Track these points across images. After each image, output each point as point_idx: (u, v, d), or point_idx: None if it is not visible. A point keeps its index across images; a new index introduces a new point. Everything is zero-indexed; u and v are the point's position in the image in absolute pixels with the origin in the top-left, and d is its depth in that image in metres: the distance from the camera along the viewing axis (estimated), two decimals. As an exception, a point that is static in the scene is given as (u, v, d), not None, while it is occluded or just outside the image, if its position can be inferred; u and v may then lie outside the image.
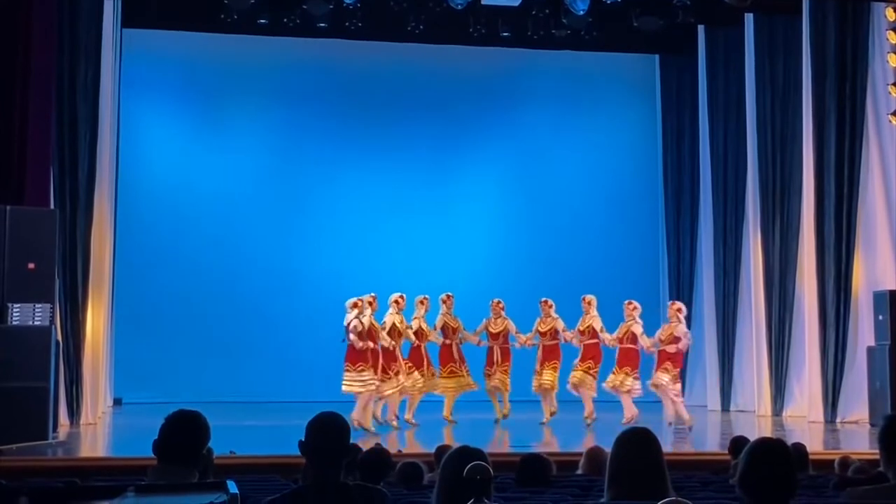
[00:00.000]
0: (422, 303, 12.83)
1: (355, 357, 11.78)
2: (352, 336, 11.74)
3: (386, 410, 12.54)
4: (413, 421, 12.50)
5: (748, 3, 13.83)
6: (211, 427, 3.79)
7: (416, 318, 12.75)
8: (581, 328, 12.92)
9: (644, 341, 12.65)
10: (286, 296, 16.21)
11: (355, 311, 11.84)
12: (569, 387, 12.90)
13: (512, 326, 13.10)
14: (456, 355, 12.97)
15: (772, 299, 14.30)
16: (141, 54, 15.73)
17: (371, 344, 11.81)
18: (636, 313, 12.79)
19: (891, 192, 13.29)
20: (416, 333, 12.67)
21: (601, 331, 12.81)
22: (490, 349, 13.11)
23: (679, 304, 13.08)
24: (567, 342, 13.06)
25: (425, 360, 12.78)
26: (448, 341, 12.98)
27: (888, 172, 13.28)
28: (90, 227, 12.57)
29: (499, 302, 13.18)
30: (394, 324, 12.39)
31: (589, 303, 13.01)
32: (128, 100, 15.39)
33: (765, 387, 14.28)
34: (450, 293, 13.17)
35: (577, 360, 12.90)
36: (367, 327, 11.79)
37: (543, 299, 13.20)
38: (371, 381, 11.77)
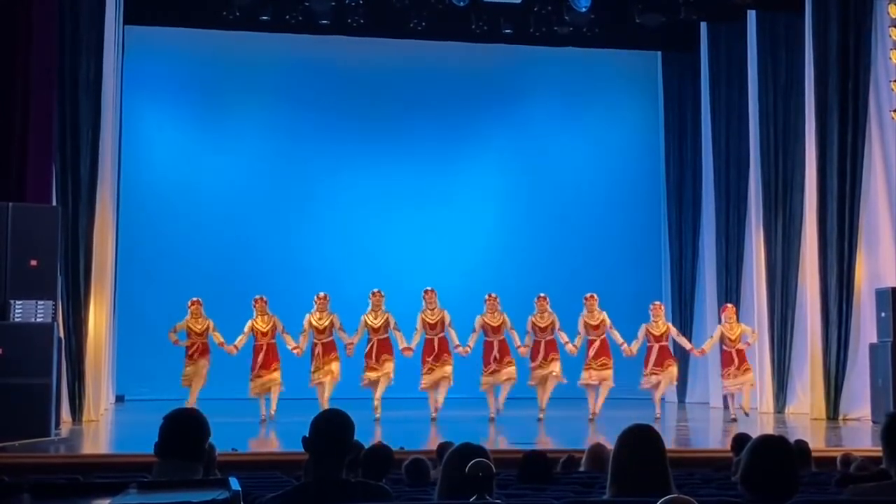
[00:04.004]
0: (372, 296, 12.74)
1: None
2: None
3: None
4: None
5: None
6: (212, 424, 3.80)
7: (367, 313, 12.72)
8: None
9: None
10: (288, 291, 16.15)
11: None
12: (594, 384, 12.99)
13: (507, 321, 12.94)
14: (434, 350, 12.69)
15: (774, 296, 14.27)
16: (143, 51, 15.73)
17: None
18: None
19: (893, 189, 13.25)
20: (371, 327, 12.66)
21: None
22: (489, 344, 12.87)
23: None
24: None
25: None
26: (428, 337, 12.76)
27: (891, 169, 13.24)
28: (92, 224, 12.55)
29: (494, 297, 12.98)
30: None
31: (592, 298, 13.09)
32: (130, 96, 15.37)
33: (767, 384, 14.26)
34: (430, 288, 12.89)
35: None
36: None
37: (542, 295, 13.12)
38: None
